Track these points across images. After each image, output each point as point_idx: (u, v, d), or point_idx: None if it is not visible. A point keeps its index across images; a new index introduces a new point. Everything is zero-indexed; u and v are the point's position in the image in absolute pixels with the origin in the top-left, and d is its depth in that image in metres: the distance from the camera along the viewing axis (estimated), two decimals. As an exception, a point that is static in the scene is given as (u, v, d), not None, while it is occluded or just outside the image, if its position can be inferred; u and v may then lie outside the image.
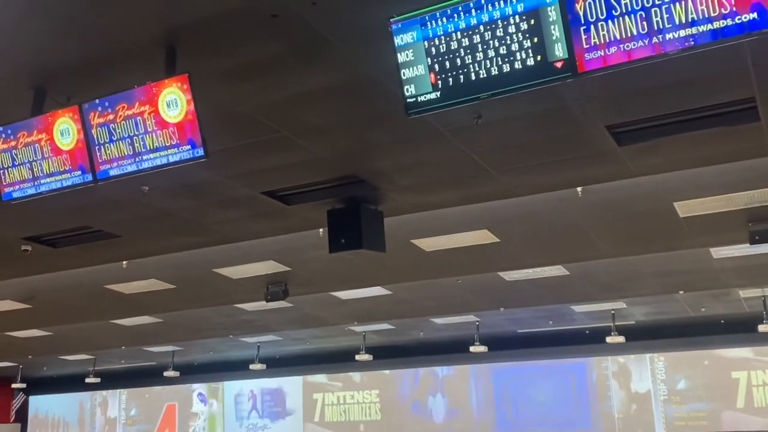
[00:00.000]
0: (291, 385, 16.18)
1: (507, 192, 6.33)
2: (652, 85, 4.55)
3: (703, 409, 12.76)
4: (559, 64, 3.43)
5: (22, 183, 4.78)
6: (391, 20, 3.69)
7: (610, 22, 3.32)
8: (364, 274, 8.75)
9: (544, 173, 5.96)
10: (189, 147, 4.22)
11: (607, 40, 3.32)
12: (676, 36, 3.21)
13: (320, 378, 15.83)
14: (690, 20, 3.18)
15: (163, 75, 4.12)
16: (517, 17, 3.46)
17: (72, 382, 17.40)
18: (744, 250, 7.78)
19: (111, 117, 4.36)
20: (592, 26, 3.34)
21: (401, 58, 3.73)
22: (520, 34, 3.47)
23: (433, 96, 3.72)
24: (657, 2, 3.21)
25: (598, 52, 3.35)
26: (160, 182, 5.66)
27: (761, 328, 10.76)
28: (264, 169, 5.87)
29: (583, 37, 3.37)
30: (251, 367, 14.79)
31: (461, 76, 3.62)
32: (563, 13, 3.38)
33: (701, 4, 3.15)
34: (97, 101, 4.38)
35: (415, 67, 3.72)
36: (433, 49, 3.65)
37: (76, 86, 4.46)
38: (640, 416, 13.20)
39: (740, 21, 3.11)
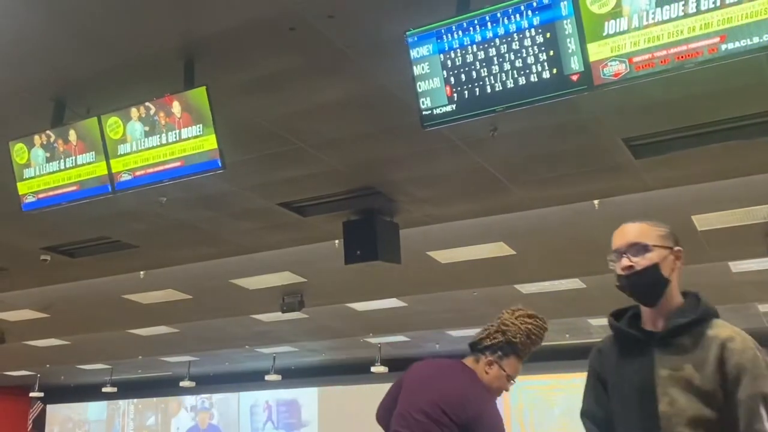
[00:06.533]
0: (306, 396, 16.15)
1: (523, 204, 6.32)
2: (669, 98, 4.53)
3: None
4: (575, 77, 3.42)
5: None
6: (407, 33, 3.70)
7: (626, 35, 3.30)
8: (380, 286, 8.74)
9: (560, 186, 5.95)
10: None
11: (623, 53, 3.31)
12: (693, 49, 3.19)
13: (336, 389, 15.79)
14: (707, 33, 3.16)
15: (181, 87, 4.16)
16: (533, 30, 3.45)
17: (89, 392, 17.48)
18: (763, 263, 7.69)
19: (130, 128, 4.40)
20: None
21: (417, 70, 3.73)
22: (535, 47, 3.46)
23: (448, 108, 3.72)
24: (673, 16, 3.20)
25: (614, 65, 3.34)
26: (178, 193, 5.71)
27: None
28: (280, 181, 5.89)
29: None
30: (267, 377, 14.80)
31: (477, 89, 3.62)
32: (579, 26, 3.37)
33: (719, 17, 3.13)
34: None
35: (430, 80, 3.72)
36: (449, 62, 3.66)
37: (95, 98, 4.51)
38: (658, 431, 13.03)
39: (757, 34, 3.08)
